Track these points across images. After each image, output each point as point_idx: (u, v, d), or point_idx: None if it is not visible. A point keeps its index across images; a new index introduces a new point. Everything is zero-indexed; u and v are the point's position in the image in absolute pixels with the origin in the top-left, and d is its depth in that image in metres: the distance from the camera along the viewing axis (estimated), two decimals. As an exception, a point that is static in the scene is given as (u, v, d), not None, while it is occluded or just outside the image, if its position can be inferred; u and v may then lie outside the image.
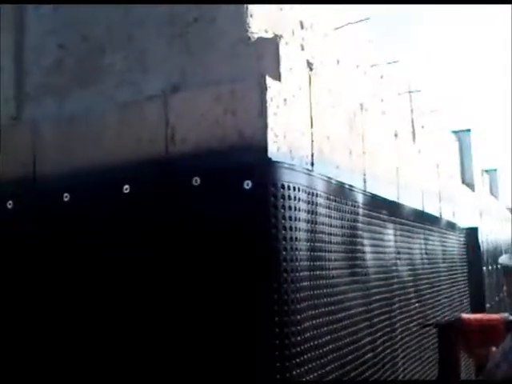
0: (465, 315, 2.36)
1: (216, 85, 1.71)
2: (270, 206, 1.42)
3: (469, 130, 6.69)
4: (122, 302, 1.56)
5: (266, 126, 1.59)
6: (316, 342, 1.50)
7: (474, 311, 4.02)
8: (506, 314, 2.18)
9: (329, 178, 1.81)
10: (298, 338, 1.41)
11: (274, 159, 1.51)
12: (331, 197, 1.77)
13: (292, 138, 1.77)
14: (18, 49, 2.30)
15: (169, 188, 1.57)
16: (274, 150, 1.60)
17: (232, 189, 1.45)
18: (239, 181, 1.45)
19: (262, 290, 1.38)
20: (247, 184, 1.45)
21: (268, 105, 1.58)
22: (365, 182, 2.60)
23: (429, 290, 2.87)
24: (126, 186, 1.61)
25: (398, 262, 2.42)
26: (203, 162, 1.57)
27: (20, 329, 1.73)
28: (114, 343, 1.55)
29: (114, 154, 1.78)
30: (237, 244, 1.43)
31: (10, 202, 1.81)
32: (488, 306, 4.84)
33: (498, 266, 6.82)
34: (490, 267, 5.77)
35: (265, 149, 1.57)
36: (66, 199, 1.71)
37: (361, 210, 2.04)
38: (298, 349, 1.41)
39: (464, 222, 4.63)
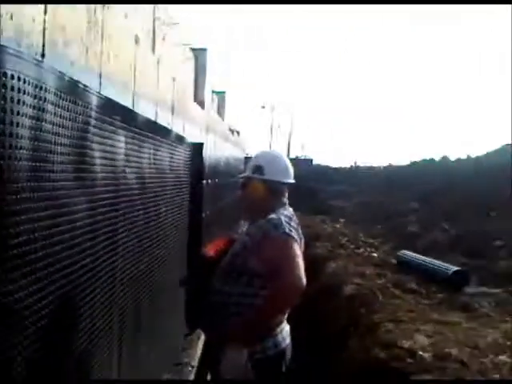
0: (207, 252, 2.79)
1: None
2: (-10, 95, 1.23)
3: (205, 49, 6.96)
4: None
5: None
6: (35, 246, 1.43)
7: (192, 224, 4.42)
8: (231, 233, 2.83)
9: (61, 73, 1.66)
10: (16, 241, 1.32)
11: (-5, 42, 1.30)
12: (63, 95, 1.63)
13: (20, 21, 1.55)
14: None
15: None
16: (-4, 32, 1.38)
17: None
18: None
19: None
20: (-38, 67, 1.22)
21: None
22: (100, 84, 2.49)
23: (154, 199, 3.01)
24: None
25: (127, 169, 2.44)
26: None
27: None
28: None
29: None
30: None
31: None
32: (204, 215, 5.37)
33: (218, 180, 7.59)
34: (209, 181, 6.35)
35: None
36: None
37: (94, 113, 1.95)
38: (15, 251, 1.32)
39: (192, 137, 4.94)
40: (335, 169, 31.52)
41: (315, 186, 21.14)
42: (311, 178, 21.99)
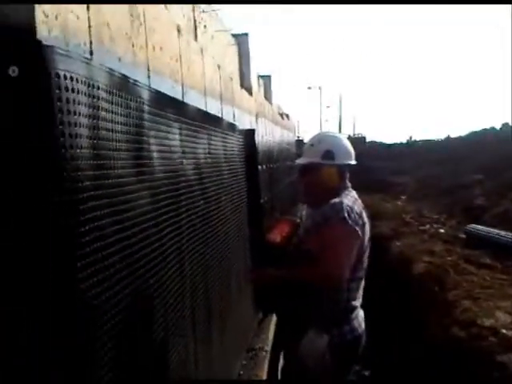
0: (273, 238, 2.75)
1: None
2: (44, 96, 1.22)
3: (247, 34, 6.88)
4: None
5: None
6: (102, 243, 1.43)
7: (252, 212, 4.39)
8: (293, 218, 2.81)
9: (111, 69, 1.64)
10: (83, 240, 1.31)
11: (44, 43, 1.28)
12: (114, 91, 1.61)
13: (66, 20, 1.54)
14: None
15: None
16: (43, 33, 1.37)
17: (-7, 75, 1.20)
18: (2, 66, 1.20)
19: (44, 193, 1.22)
20: (13, 71, 1.21)
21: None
22: (149, 77, 2.48)
23: (212, 188, 2.99)
24: None
25: (184, 161, 2.42)
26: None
27: None
28: None
29: None
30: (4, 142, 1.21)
31: None
32: (262, 201, 5.34)
33: (272, 165, 7.54)
34: (264, 166, 6.30)
35: (32, 30, 1.33)
36: None
37: (146, 107, 1.93)
38: (87, 249, 1.32)
39: (242, 124, 4.90)
40: (390, 145, 30.76)
41: (371, 164, 20.70)
42: (366, 157, 21.55)
